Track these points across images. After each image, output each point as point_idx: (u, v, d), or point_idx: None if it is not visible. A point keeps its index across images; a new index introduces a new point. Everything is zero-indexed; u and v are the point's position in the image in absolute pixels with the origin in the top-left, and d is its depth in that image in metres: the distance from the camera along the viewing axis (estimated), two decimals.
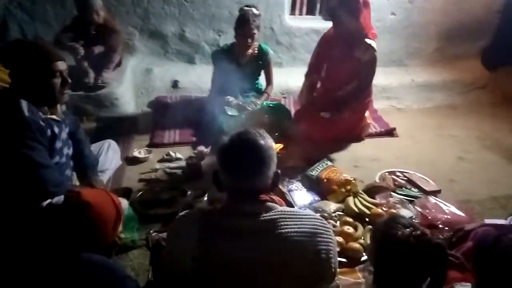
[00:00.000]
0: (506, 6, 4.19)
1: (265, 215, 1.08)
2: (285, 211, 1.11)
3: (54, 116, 1.74)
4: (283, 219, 1.08)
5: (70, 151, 1.93)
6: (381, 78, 4.00)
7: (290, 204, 2.20)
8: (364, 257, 1.83)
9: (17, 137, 1.59)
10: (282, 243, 1.05)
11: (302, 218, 1.11)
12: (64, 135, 1.84)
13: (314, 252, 1.08)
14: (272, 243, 1.05)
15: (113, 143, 2.42)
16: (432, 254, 1.18)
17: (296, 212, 1.13)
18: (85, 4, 3.00)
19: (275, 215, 1.09)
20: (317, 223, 1.12)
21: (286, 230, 1.06)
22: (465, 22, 4.20)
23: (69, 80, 1.72)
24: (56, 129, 1.75)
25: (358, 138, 3.13)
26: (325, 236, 1.12)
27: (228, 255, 1.06)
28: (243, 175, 1.11)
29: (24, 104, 1.61)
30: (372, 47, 2.74)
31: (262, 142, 1.14)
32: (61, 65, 1.68)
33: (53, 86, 1.67)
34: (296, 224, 1.08)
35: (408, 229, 1.19)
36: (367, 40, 2.73)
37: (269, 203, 1.11)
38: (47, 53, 1.67)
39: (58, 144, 1.77)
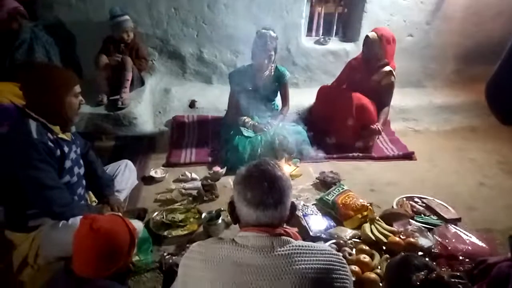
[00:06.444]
0: None
1: (279, 249, 1.06)
2: (300, 246, 1.09)
3: (64, 136, 1.81)
4: (298, 254, 1.06)
5: (82, 171, 1.97)
6: (398, 99, 3.96)
7: (305, 229, 2.18)
8: None
9: (25, 159, 1.64)
10: (297, 280, 1.02)
11: (318, 253, 1.08)
12: (73, 154, 1.88)
13: None
14: (286, 279, 1.02)
15: (129, 163, 2.45)
16: None
17: (312, 246, 1.10)
18: (117, 24, 3.28)
19: (290, 249, 1.07)
20: (333, 259, 1.10)
21: (301, 266, 1.04)
22: (484, 44, 4.13)
23: (83, 101, 1.87)
24: (66, 149, 1.80)
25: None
26: (341, 272, 1.09)
27: None
28: (263, 207, 1.09)
29: (32, 125, 1.67)
30: (393, 74, 3.13)
31: (280, 173, 1.14)
32: (79, 88, 1.82)
33: (75, 106, 1.80)
34: (311, 260, 1.06)
35: (422, 272, 1.15)
36: (388, 67, 3.12)
37: (284, 237, 1.10)
38: (71, 76, 1.81)
39: (68, 164, 1.81)
